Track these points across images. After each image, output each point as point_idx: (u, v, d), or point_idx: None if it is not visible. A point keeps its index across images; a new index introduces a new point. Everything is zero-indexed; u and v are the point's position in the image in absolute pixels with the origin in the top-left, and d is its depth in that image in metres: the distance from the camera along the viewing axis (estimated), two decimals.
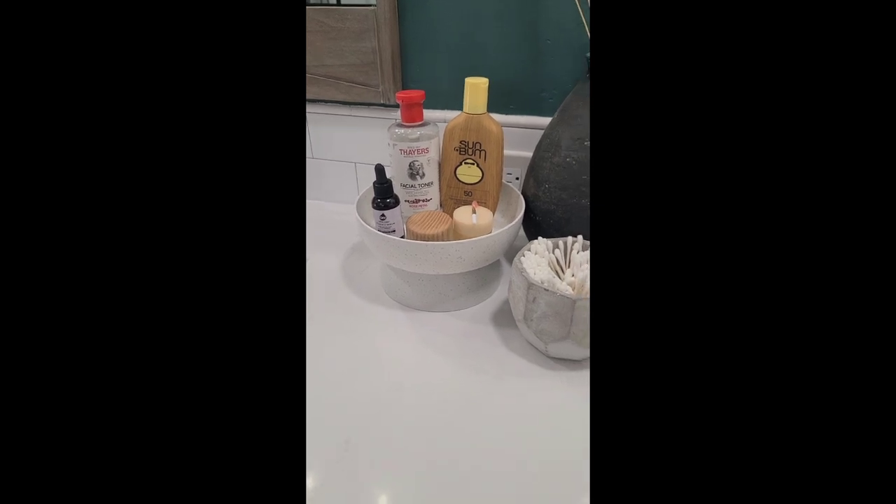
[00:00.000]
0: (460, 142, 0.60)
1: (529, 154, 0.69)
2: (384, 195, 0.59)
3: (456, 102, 0.73)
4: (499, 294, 0.63)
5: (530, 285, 0.48)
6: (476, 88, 0.57)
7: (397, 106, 0.75)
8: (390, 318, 0.60)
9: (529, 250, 0.54)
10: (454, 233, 0.58)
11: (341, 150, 0.82)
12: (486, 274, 0.61)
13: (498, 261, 0.62)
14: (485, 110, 0.59)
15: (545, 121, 0.70)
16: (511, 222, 0.57)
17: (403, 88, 0.75)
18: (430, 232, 0.55)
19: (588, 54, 0.56)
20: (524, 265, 0.51)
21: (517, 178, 0.74)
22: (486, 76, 0.58)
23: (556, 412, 0.46)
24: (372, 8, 0.68)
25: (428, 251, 0.53)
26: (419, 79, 0.74)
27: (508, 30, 0.67)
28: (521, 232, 0.63)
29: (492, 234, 0.54)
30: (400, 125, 0.61)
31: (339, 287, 0.65)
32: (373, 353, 0.54)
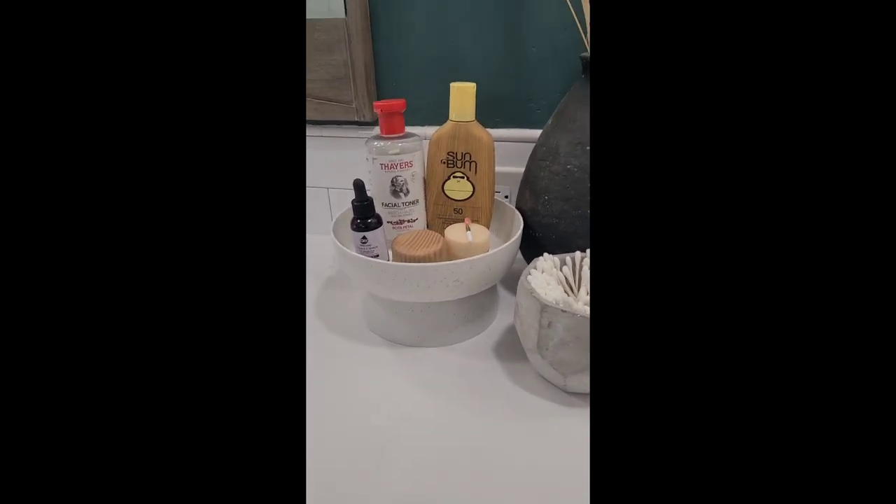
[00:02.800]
0: (448, 153, 0.54)
1: (519, 169, 0.64)
2: (365, 214, 0.51)
3: (436, 118, 0.68)
4: (498, 324, 0.56)
5: (544, 307, 0.41)
6: (463, 93, 0.52)
7: (372, 123, 0.69)
8: (376, 356, 0.51)
9: (535, 268, 0.47)
10: (447, 253, 0.51)
11: (312, 174, 0.74)
12: (484, 301, 0.54)
13: (494, 287, 0.55)
14: (473, 117, 0.53)
15: (534, 133, 0.65)
16: (507, 241, 0.50)
17: None
18: (419, 253, 0.48)
19: (584, 54, 0.52)
20: (533, 285, 0.44)
21: (506, 197, 0.68)
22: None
23: (581, 456, 0.38)
24: (342, 18, 0.62)
25: (419, 275, 0.45)
26: (395, 94, 0.68)
27: (490, 37, 0.62)
28: (518, 255, 0.56)
29: (491, 252, 0.47)
30: (379, 138, 0.54)
31: (313, 324, 0.56)
32: (357, 398, 0.45)
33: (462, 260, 0.46)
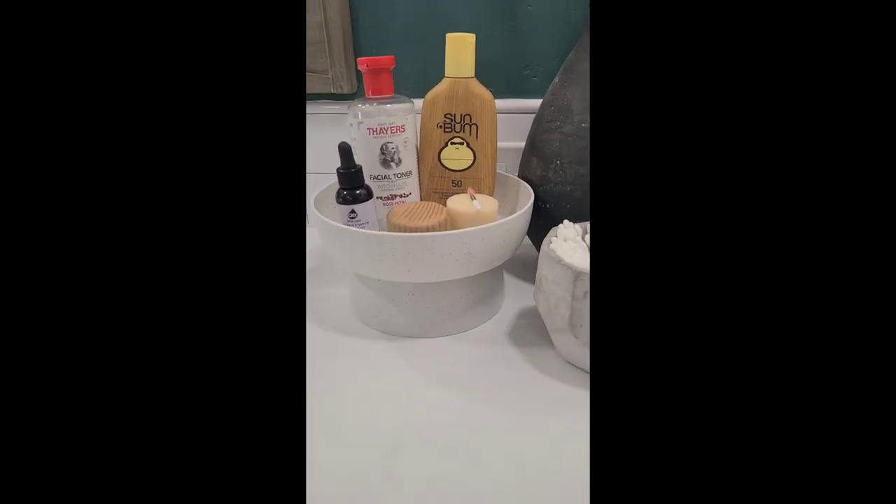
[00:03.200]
0: (445, 116, 0.47)
1: (516, 144, 0.58)
2: (352, 183, 0.44)
3: (421, 89, 0.61)
4: (505, 311, 0.49)
5: (578, 275, 0.34)
6: (461, 44, 0.45)
7: (350, 96, 0.62)
8: (371, 350, 0.43)
9: (556, 237, 0.41)
10: (451, 226, 0.44)
11: None
12: (492, 282, 0.47)
13: (499, 269, 0.48)
14: (473, 73, 0.47)
15: (531, 103, 0.59)
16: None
17: (357, 75, 0.62)
18: (422, 224, 0.41)
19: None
20: (559, 253, 0.38)
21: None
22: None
23: None
24: None
25: (424, 247, 0.38)
26: None
27: None
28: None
29: (503, 220, 0.40)
30: (365, 101, 0.47)
31: None
32: (360, 399, 0.37)
33: (472, 229, 0.39)
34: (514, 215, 0.41)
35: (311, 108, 0.63)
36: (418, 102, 0.49)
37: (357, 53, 0.61)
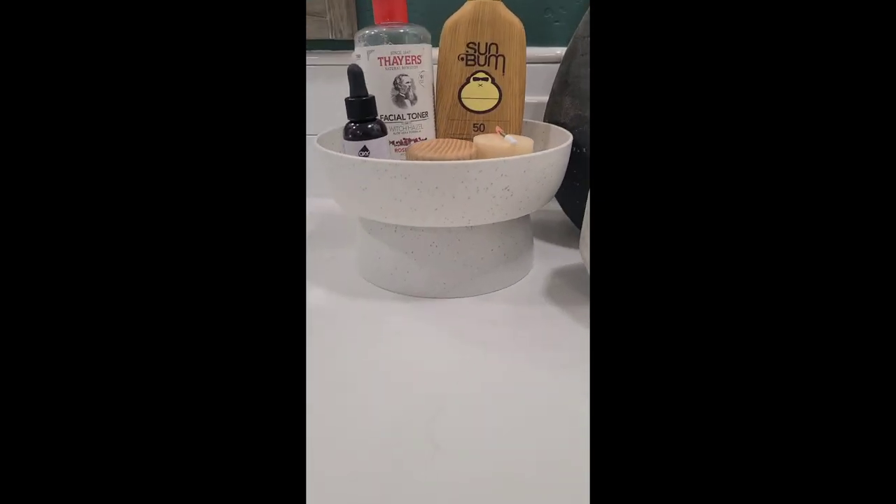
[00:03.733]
0: (468, 45, 0.41)
1: (539, 98, 0.52)
2: (364, 115, 0.37)
3: (431, 27, 0.55)
4: (537, 272, 0.43)
5: None
6: None
7: (349, 44, 0.55)
8: (392, 312, 0.36)
9: None
10: None
11: None
12: (524, 236, 0.41)
13: (528, 224, 0.42)
14: None
15: (553, 51, 0.54)
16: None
17: (359, 18, 0.55)
18: (451, 155, 0.34)
19: None
20: None
21: None
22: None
23: None
24: None
25: (457, 178, 0.32)
26: None
27: None
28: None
29: (546, 151, 0.34)
30: (374, 27, 0.40)
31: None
32: (384, 363, 0.31)
33: (512, 158, 0.33)
34: (556, 147, 0.35)
35: (307, 59, 0.56)
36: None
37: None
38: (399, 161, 0.32)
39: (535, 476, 0.23)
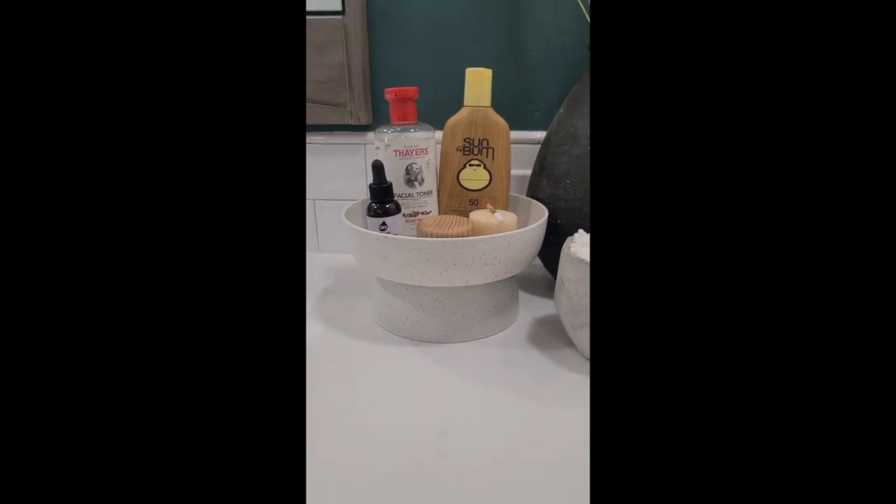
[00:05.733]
0: (464, 140, 0.52)
1: (521, 171, 0.63)
2: (384, 198, 0.47)
3: (433, 122, 0.67)
4: (521, 320, 0.52)
5: None
6: (480, 77, 0.51)
7: (366, 128, 0.66)
8: (402, 355, 0.45)
9: (574, 242, 0.44)
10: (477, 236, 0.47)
11: None
12: (510, 290, 0.50)
13: (515, 281, 0.51)
14: (489, 103, 0.52)
15: (533, 134, 0.65)
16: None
17: (374, 108, 0.67)
18: (452, 231, 0.44)
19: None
20: (580, 255, 0.41)
21: None
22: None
23: None
24: (339, 18, 0.61)
25: (456, 252, 0.41)
26: None
27: (488, 41, 0.63)
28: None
29: (526, 228, 0.44)
30: (390, 127, 0.51)
31: (323, 332, 0.49)
32: (396, 399, 0.39)
33: (499, 234, 0.42)
34: (534, 224, 0.45)
35: (331, 139, 0.67)
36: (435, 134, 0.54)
37: (374, 89, 0.66)
38: (413, 238, 0.42)
39: (533, 481, 0.31)
